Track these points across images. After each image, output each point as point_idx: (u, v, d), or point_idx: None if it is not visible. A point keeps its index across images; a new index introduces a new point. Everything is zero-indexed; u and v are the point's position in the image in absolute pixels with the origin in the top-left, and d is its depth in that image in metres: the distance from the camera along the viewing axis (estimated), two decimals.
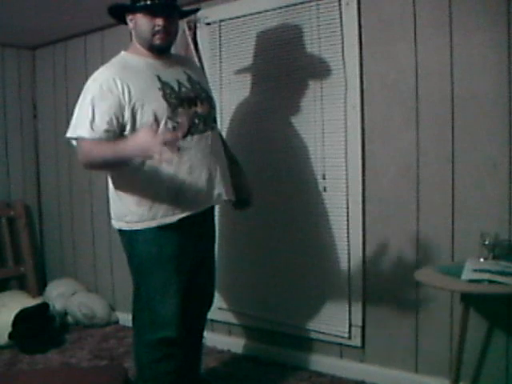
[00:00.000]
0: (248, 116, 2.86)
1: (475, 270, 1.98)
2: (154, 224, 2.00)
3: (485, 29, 2.18)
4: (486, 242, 2.11)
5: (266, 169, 2.81)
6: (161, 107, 1.97)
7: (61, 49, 3.83)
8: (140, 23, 2.02)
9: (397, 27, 2.39)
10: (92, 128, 1.91)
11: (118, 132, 1.94)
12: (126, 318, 3.34)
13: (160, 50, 2.06)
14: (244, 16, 2.80)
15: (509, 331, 2.22)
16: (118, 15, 2.12)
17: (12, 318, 3.14)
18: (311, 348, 2.77)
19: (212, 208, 2.24)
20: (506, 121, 2.16)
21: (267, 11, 2.71)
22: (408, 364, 2.46)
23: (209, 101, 2.17)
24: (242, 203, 2.36)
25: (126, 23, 2.13)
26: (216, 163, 2.12)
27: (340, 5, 2.51)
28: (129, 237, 2.07)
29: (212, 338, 2.99)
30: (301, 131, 2.68)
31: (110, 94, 1.92)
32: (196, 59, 2.90)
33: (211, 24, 2.93)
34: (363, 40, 2.47)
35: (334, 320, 2.65)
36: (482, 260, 2.12)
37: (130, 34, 2.12)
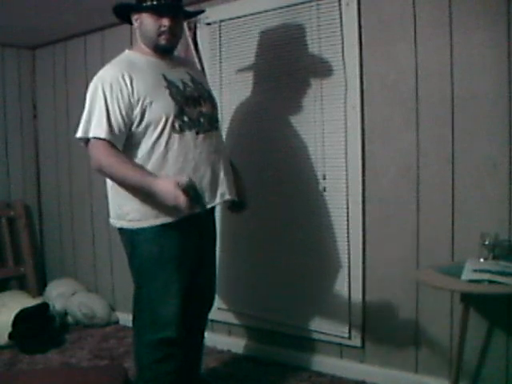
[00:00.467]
0: (248, 116, 2.86)
1: (475, 270, 1.98)
2: (157, 222, 2.00)
3: (485, 29, 2.18)
4: (486, 242, 2.11)
5: (266, 169, 2.81)
6: (168, 105, 1.98)
7: (61, 49, 3.83)
8: (146, 23, 2.02)
9: (397, 27, 2.39)
10: (108, 128, 1.91)
11: (128, 129, 1.96)
12: (126, 318, 3.35)
13: (165, 51, 2.07)
14: (244, 16, 2.80)
15: (509, 331, 2.22)
16: (123, 15, 2.13)
17: (12, 318, 3.14)
18: (311, 348, 2.77)
19: (213, 208, 2.24)
20: (506, 121, 2.16)
21: (267, 11, 2.71)
22: (408, 364, 2.46)
23: (211, 101, 2.19)
24: (237, 206, 2.36)
25: (129, 23, 2.13)
26: (220, 162, 2.13)
27: (340, 5, 2.51)
28: (130, 236, 2.07)
29: (212, 338, 2.99)
30: (301, 131, 2.69)
31: (121, 94, 1.93)
32: (196, 59, 2.90)
33: (211, 24, 2.93)
34: (363, 40, 2.47)
35: (334, 320, 2.65)
36: (482, 260, 2.12)
37: (131, 34, 2.13)
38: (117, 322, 3.59)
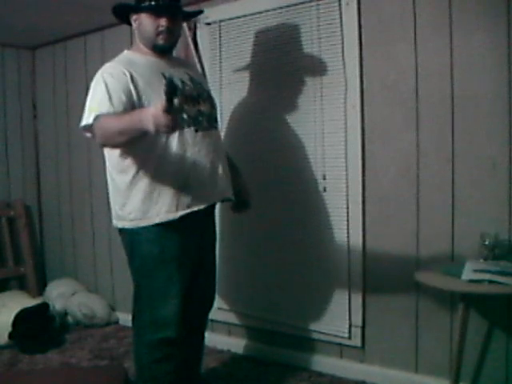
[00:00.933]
0: (248, 116, 2.86)
1: (475, 271, 1.98)
2: (157, 220, 2.00)
3: (485, 29, 2.18)
4: (486, 242, 2.11)
5: (266, 169, 2.81)
6: None
7: (61, 49, 3.83)
8: (144, 23, 2.04)
9: (397, 27, 2.39)
10: (111, 104, 1.90)
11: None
12: (126, 318, 3.34)
13: (163, 50, 2.08)
14: (244, 16, 2.80)
15: (509, 331, 2.22)
16: (122, 15, 2.14)
17: (12, 318, 3.14)
18: (311, 348, 2.77)
19: (213, 208, 2.24)
20: (505, 121, 2.16)
21: (267, 11, 2.71)
22: (408, 364, 2.46)
23: (210, 100, 2.20)
24: (241, 205, 2.36)
25: (128, 23, 2.14)
26: (218, 161, 2.13)
27: (340, 5, 2.51)
28: (130, 237, 2.07)
29: (212, 338, 2.99)
30: (301, 131, 2.69)
31: (122, 83, 1.93)
32: (196, 59, 2.90)
33: (211, 24, 2.93)
34: (363, 40, 2.47)
35: (334, 320, 2.65)
36: (482, 260, 2.12)
37: (131, 34, 2.13)
38: (117, 322, 3.59)
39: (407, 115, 2.39)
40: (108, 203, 2.16)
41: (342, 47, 2.52)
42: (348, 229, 2.58)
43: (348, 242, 2.58)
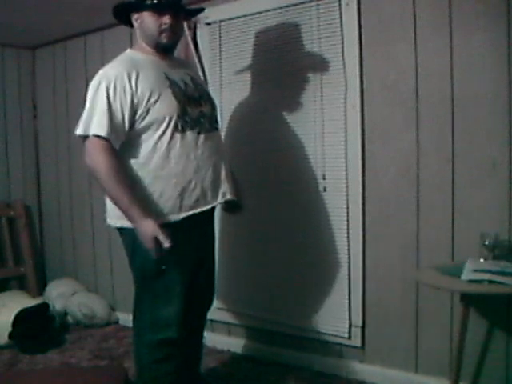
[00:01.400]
0: (248, 116, 2.86)
1: (475, 271, 1.98)
2: (158, 222, 1.99)
3: (485, 29, 2.18)
4: (486, 242, 2.11)
5: (266, 169, 2.80)
6: (172, 105, 1.99)
7: (61, 49, 3.83)
8: (147, 22, 2.02)
9: (397, 27, 2.39)
10: (108, 128, 1.89)
11: (128, 129, 1.95)
12: (126, 318, 3.35)
13: (166, 49, 2.08)
14: (244, 16, 2.80)
15: (509, 331, 2.22)
16: (122, 15, 2.12)
17: (12, 318, 3.14)
18: (311, 348, 2.77)
19: (213, 208, 2.24)
20: (505, 121, 2.16)
21: (267, 11, 2.71)
22: (408, 364, 2.46)
23: (211, 102, 2.20)
24: (233, 207, 2.36)
25: (129, 24, 2.13)
26: (221, 162, 2.14)
27: (340, 5, 2.51)
28: (131, 237, 2.06)
29: (212, 338, 2.99)
30: (301, 131, 2.68)
31: (124, 95, 1.92)
32: (196, 59, 2.90)
33: (211, 24, 2.93)
34: (363, 40, 2.48)
35: (334, 320, 2.65)
36: (482, 260, 2.12)
37: (131, 34, 2.13)
38: (117, 322, 3.59)
39: (407, 115, 2.39)
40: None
41: (342, 47, 2.52)
42: (348, 229, 2.58)
43: (348, 241, 2.58)
